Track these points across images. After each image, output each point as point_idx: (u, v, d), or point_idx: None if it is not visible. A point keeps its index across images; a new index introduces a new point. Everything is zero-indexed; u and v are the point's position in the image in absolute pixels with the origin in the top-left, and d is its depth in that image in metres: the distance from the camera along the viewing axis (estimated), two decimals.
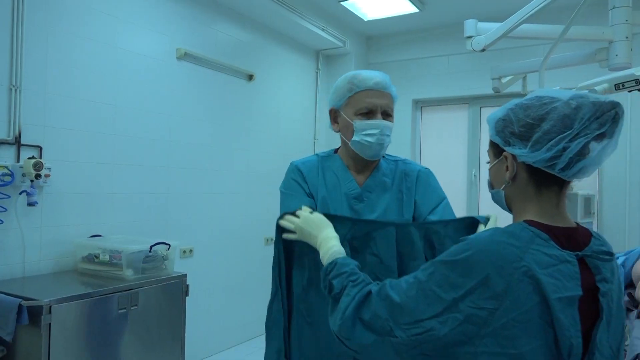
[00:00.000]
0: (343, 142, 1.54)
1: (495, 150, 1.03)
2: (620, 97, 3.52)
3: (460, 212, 4.85)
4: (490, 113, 1.06)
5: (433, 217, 1.50)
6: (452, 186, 4.89)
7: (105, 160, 2.90)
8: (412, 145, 5.01)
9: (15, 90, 2.44)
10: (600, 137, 0.90)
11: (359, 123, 1.44)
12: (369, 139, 1.43)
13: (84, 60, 2.78)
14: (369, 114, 1.44)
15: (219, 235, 3.72)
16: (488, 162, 1.07)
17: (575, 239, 0.95)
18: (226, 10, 3.77)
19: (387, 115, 1.48)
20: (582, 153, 0.91)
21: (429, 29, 4.82)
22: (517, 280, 0.86)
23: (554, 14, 3.00)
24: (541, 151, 0.93)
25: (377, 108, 1.45)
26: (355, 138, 1.45)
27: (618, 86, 2.37)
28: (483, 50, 2.71)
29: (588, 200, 3.33)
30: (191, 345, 2.83)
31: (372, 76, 1.46)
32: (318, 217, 1.29)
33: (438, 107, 5.06)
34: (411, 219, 1.52)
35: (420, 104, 5.12)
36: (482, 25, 2.76)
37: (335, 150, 1.61)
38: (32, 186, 2.45)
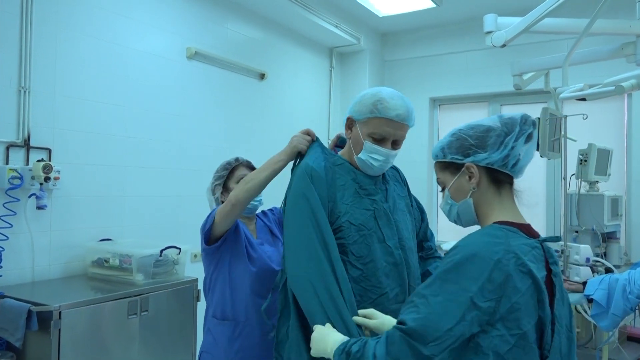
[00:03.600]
0: (351, 149, 1.59)
1: (452, 169, 1.21)
2: None
3: None
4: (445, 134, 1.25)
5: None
6: None
7: (115, 162, 2.87)
8: (429, 146, 4.90)
9: (25, 92, 2.42)
10: (529, 138, 1.16)
11: (369, 145, 1.50)
12: (373, 162, 1.51)
13: (94, 61, 2.75)
14: (380, 140, 1.50)
15: None
16: (442, 190, 1.25)
17: (530, 231, 1.16)
18: (237, 7, 3.72)
19: (396, 144, 1.54)
20: (519, 152, 1.15)
21: (446, 25, 4.71)
22: (512, 269, 1.03)
23: (577, 8, 2.89)
24: (497, 152, 1.15)
25: (390, 137, 1.51)
26: (361, 156, 1.52)
27: None
28: (503, 45, 2.61)
29: (615, 201, 3.21)
30: None
31: (396, 107, 1.48)
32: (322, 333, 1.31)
33: (456, 105, 4.95)
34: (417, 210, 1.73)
35: (437, 102, 5.01)
36: (502, 20, 2.66)
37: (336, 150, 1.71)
38: (41, 189, 2.43)
